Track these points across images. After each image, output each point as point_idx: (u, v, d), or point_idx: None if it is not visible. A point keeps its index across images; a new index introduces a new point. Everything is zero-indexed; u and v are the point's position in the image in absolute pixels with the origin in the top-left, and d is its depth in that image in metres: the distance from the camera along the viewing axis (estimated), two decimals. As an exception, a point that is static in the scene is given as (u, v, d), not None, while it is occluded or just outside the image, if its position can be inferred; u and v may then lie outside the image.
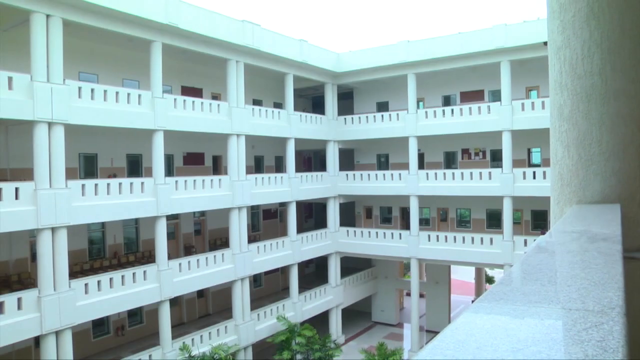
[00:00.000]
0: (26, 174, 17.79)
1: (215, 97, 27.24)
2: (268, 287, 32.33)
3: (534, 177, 25.02)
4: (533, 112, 24.87)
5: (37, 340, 17.77)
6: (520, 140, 26.41)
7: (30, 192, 16.34)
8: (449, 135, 28.13)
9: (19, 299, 16.12)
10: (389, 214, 34.06)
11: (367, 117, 30.84)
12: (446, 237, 27.93)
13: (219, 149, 26.80)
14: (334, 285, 30.99)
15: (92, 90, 18.38)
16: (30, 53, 16.55)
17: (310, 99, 36.34)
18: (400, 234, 29.62)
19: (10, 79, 15.92)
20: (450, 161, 31.28)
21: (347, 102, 34.34)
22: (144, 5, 19.20)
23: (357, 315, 34.94)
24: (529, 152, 28.45)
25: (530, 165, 28.03)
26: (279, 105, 30.69)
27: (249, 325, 24.64)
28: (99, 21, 18.38)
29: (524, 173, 25.53)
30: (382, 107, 33.03)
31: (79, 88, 17.98)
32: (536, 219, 28.58)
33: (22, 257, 20.23)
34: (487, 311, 1.29)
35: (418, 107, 29.47)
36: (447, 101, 31.02)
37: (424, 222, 31.94)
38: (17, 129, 18.91)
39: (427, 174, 28.50)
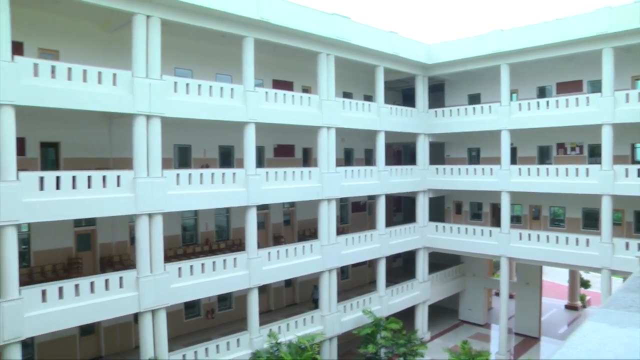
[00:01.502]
0: (126, 164, 19.02)
1: (305, 90, 27.61)
2: (355, 280, 32.46)
3: (639, 175, 23.27)
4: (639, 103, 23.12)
5: (136, 317, 19.09)
6: (623, 134, 24.61)
7: (129, 181, 17.49)
8: (543, 129, 26.75)
9: (121, 278, 17.50)
10: (479, 209, 33.04)
11: (458, 109, 30.04)
12: (538, 236, 26.58)
13: (309, 141, 27.14)
14: (421, 280, 30.58)
15: (187, 84, 19.21)
16: (131, 51, 17.72)
17: (401, 92, 35.92)
18: (490, 231, 28.63)
19: (114, 75, 17.13)
20: (544, 156, 29.76)
21: (438, 94, 33.60)
22: (237, 2, 19.75)
23: (443, 313, 34.29)
24: (633, 147, 26.45)
25: (634, 162, 26.08)
26: (369, 98, 30.60)
27: (335, 316, 24.84)
28: (194, 19, 19.16)
29: (627, 170, 23.66)
30: (474, 99, 32.04)
31: (175, 83, 18.89)
32: (640, 220, 26.67)
33: (123, 240, 21.79)
34: (615, 319, 1.19)
35: (511, 99, 28.33)
36: (542, 93, 29.52)
37: (515, 220, 30.66)
38: (119, 121, 20.23)
39: (519, 169, 27.33)
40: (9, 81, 14.72)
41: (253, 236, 21.34)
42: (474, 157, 32.78)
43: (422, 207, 30.97)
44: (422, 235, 30.65)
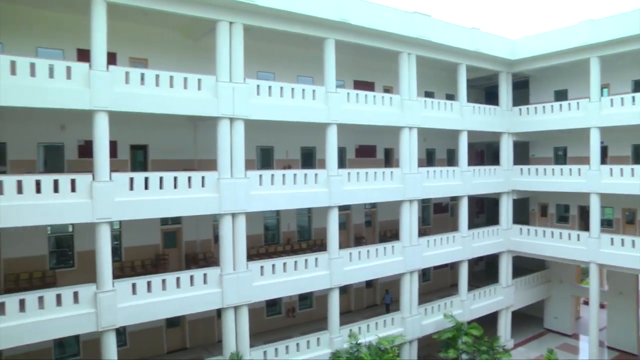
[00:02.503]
0: (211, 165, 19.51)
1: (387, 90, 27.40)
2: (436, 283, 31.87)
3: None
4: None
5: (219, 312, 19.75)
6: None
7: (214, 181, 18.13)
8: (639, 126, 24.98)
9: (205, 275, 18.22)
10: (566, 212, 31.39)
11: (543, 107, 28.68)
12: (633, 241, 24.64)
13: (391, 141, 26.91)
14: (504, 285, 29.54)
15: (269, 87, 19.59)
16: (215, 57, 18.37)
17: (483, 90, 34.87)
18: (578, 235, 27.04)
19: (199, 80, 17.89)
20: (639, 155, 27.91)
21: (522, 91, 32.26)
22: (317, 5, 19.89)
23: (527, 320, 32.95)
24: None
25: None
26: (451, 96, 29.97)
27: (416, 319, 24.49)
28: (275, 24, 19.51)
29: None
30: (561, 95, 30.48)
31: (258, 86, 19.31)
32: None
33: (207, 238, 22.59)
34: None
35: (602, 94, 26.69)
36: (637, 87, 27.59)
37: (606, 223, 28.79)
38: (203, 124, 20.97)
39: (610, 169, 25.61)
40: (104, 89, 15.82)
41: (335, 236, 21.44)
42: (561, 157, 31.22)
43: (506, 209, 29.89)
44: (505, 238, 29.58)
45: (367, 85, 26.66)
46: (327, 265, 21.11)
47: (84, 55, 17.47)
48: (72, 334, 16.36)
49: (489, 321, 28.23)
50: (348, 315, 25.49)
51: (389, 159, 28.88)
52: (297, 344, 20.67)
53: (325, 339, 21.39)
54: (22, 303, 15.02)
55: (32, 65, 14.97)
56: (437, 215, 32.47)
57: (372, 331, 22.77)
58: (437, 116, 25.48)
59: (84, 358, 19.65)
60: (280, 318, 24.94)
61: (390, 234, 28.23)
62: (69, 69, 15.54)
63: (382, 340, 21.58)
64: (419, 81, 24.78)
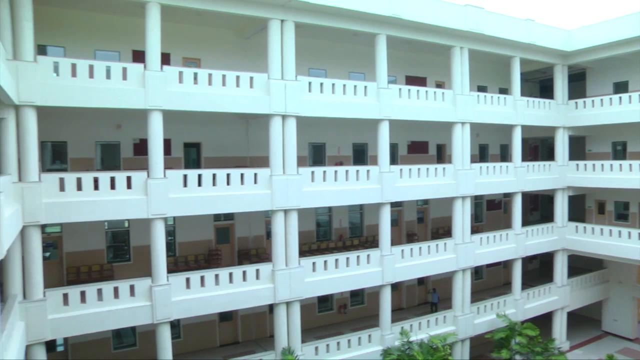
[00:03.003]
0: (263, 162, 19.78)
1: (439, 85, 27.01)
2: (489, 281, 31.22)
3: None
4: None
5: (270, 308, 20.10)
6: None
7: (266, 178, 18.25)
8: None
9: (257, 270, 18.43)
10: (625, 209, 30.07)
11: (601, 99, 27.52)
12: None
13: (443, 137, 26.52)
14: (559, 285, 28.65)
15: (321, 84, 19.60)
16: (267, 55, 18.47)
17: (538, 83, 33.86)
18: (639, 234, 25.94)
19: (251, 78, 18.04)
20: None
21: (578, 84, 31.10)
22: (369, 1, 19.67)
23: (584, 322, 31.78)
24: None
25: None
26: (504, 91, 29.19)
27: (468, 318, 24.07)
28: (326, 20, 19.45)
29: None
30: (621, 88, 29.13)
31: (309, 83, 19.34)
32: None
33: (259, 234, 22.83)
34: None
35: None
36: None
37: (669, 221, 27.63)
38: (255, 122, 21.31)
39: (675, 165, 24.38)
40: (158, 88, 16.22)
41: (387, 233, 21.31)
42: (619, 152, 29.89)
43: (561, 206, 28.96)
44: (560, 236, 28.65)
45: (419, 81, 26.30)
46: (378, 261, 20.99)
47: (139, 57, 17.98)
48: (128, 325, 16.89)
49: (543, 322, 27.43)
50: (399, 312, 25.32)
51: (441, 155, 28.47)
52: (349, 341, 20.63)
53: (377, 336, 21.28)
54: (82, 295, 15.67)
55: (91, 67, 15.54)
56: (490, 212, 31.79)
57: (424, 329, 22.52)
58: (490, 111, 24.89)
59: (140, 349, 20.30)
60: (332, 314, 25.00)
61: (442, 230, 27.86)
62: (125, 70, 16.02)
63: (434, 338, 21.31)
64: (472, 75, 24.29)
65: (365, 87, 20.55)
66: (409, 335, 21.05)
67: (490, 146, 31.10)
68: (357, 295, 25.58)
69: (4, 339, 10.20)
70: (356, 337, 20.86)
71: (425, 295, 28.21)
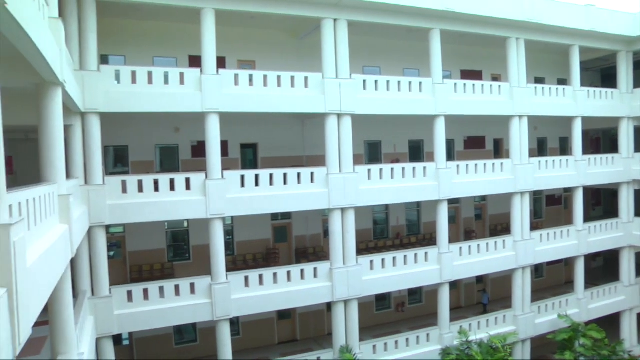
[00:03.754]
0: (319, 161, 19.90)
1: (495, 78, 26.34)
2: (550, 279, 30.21)
3: None
4: None
5: (328, 306, 20.24)
6: None
7: (323, 177, 18.37)
8: None
9: (315, 269, 18.59)
10: None
11: (672, 87, 26.19)
12: None
13: (500, 131, 25.90)
14: (626, 284, 27.37)
15: (376, 82, 19.53)
16: (321, 54, 18.57)
17: (599, 72, 32.43)
18: None
19: (306, 78, 18.23)
20: None
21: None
22: (418, -5, 19.44)
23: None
24: None
25: None
26: (563, 81, 28.15)
27: (529, 317, 23.38)
28: (379, 17, 19.32)
29: None
30: (694, 73, 27.67)
31: (364, 81, 19.31)
32: None
33: (317, 233, 22.96)
34: None
35: None
36: None
37: None
38: (311, 121, 21.48)
39: None
40: (215, 92, 16.63)
41: (444, 230, 21.02)
42: (690, 143, 28.42)
43: (626, 201, 27.64)
44: (626, 232, 27.33)
45: (474, 75, 25.73)
46: (436, 259, 20.74)
47: (195, 61, 18.36)
48: (189, 322, 17.57)
49: (609, 323, 26.10)
50: (458, 311, 24.86)
51: (499, 150, 27.77)
52: (407, 339, 20.49)
53: (435, 335, 21.03)
54: (145, 292, 16.33)
55: (150, 74, 16.19)
56: (549, 208, 30.78)
57: (483, 328, 22.04)
58: (548, 103, 24.07)
59: (200, 345, 20.86)
60: (390, 313, 24.87)
61: (501, 227, 27.17)
62: (182, 75, 16.55)
63: (494, 338, 20.85)
64: (529, 67, 23.53)
65: (420, 83, 20.33)
66: (468, 335, 20.72)
67: (549, 139, 30.08)
68: (415, 293, 25.33)
69: (77, 331, 10.88)
70: (414, 336, 20.69)
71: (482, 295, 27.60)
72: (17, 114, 9.03)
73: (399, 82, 19.85)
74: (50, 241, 7.82)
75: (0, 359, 4.56)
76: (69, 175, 14.40)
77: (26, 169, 16.24)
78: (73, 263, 14.53)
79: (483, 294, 25.93)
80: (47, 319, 9.34)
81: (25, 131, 15.52)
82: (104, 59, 18.05)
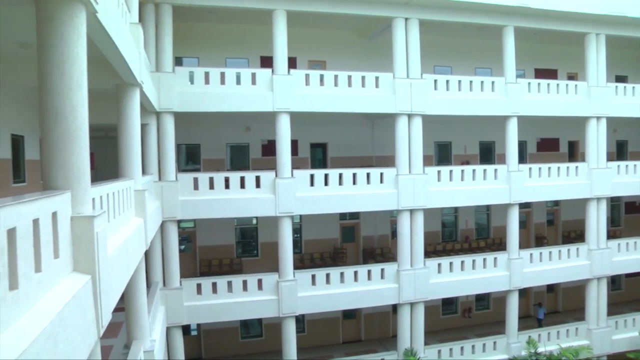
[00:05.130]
0: (388, 161, 19.87)
1: (571, 77, 25.20)
2: (629, 293, 28.29)
3: None
4: None
5: (394, 308, 20.13)
6: None
7: (392, 177, 18.32)
8: None
9: (382, 270, 18.57)
10: None
11: None
12: None
13: (575, 133, 24.70)
14: None
15: (447, 81, 19.29)
16: (391, 54, 18.47)
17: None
18: None
19: (376, 78, 18.25)
20: None
21: None
22: (493, -8, 18.96)
23: None
24: None
25: None
26: (649, 80, 26.54)
27: (604, 332, 22.10)
28: (450, 15, 19.00)
29: None
30: None
31: (435, 81, 19.11)
32: None
33: (384, 233, 22.91)
34: None
35: None
36: None
37: None
38: (380, 121, 21.38)
39: None
40: (286, 91, 16.98)
41: (514, 235, 20.36)
42: None
43: None
44: None
45: (549, 73, 24.66)
46: (506, 265, 20.13)
47: (266, 62, 18.80)
48: (255, 317, 18.16)
49: None
50: (527, 320, 23.86)
51: (573, 153, 26.51)
52: (473, 346, 20.04)
53: (502, 344, 20.42)
54: (214, 286, 16.95)
55: (222, 75, 16.84)
56: (629, 216, 29.06)
57: (553, 340, 21.08)
58: (630, 103, 22.65)
59: (265, 339, 21.27)
60: (456, 318, 24.36)
61: (574, 234, 25.90)
62: (254, 75, 17.03)
63: (565, 351, 19.92)
64: (609, 64, 22.27)
65: (493, 82, 19.85)
66: (537, 346, 19.97)
67: (630, 142, 28.49)
68: (482, 299, 24.69)
69: (150, 319, 11.51)
70: (481, 343, 20.21)
71: (556, 304, 26.45)
72: (99, 114, 9.61)
73: (470, 82, 19.49)
74: (127, 233, 8.26)
75: (87, 339, 4.90)
76: (144, 171, 15.10)
77: (105, 165, 17.12)
78: (146, 255, 15.30)
79: (538, 309, 24.34)
80: (122, 306, 9.80)
81: (106, 129, 16.43)
82: (178, 61, 18.76)
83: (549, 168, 20.94)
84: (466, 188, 19.33)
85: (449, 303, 23.90)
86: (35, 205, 3.92)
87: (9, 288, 3.32)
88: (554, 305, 26.45)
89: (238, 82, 16.78)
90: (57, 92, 5.06)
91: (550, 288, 25.71)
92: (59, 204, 4.60)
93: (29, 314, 3.64)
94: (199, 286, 16.83)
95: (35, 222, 3.90)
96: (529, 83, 20.67)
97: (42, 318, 3.70)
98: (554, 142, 26.10)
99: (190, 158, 21.03)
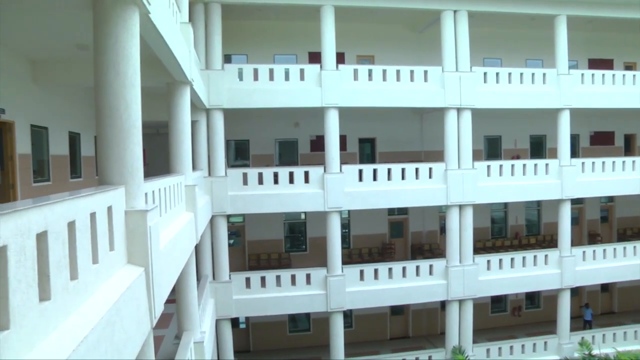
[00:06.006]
0: (437, 156, 19.72)
1: (628, 67, 24.14)
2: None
3: None
4: None
5: (442, 304, 19.90)
6: None
7: (441, 172, 18.16)
8: None
9: (431, 266, 18.45)
10: None
11: None
12: None
13: (632, 126, 24.05)
14: None
15: (497, 74, 18.92)
16: (440, 47, 18.27)
17: None
18: None
19: (425, 72, 18.11)
20: None
21: None
22: (545, -20, 18.44)
23: None
24: None
25: None
26: None
27: (667, 336, 21.25)
28: (500, 6, 18.63)
29: None
30: None
31: (484, 73, 18.79)
32: None
33: (433, 229, 22.75)
34: None
35: None
36: None
37: None
38: (429, 116, 21.25)
39: None
40: (334, 87, 17.07)
41: (566, 232, 19.78)
42: None
43: None
44: None
45: (604, 64, 23.68)
46: (557, 263, 19.58)
47: (314, 57, 18.94)
48: (304, 311, 18.27)
49: None
50: (579, 320, 23.19)
51: (630, 147, 25.46)
52: (522, 346, 19.62)
53: (554, 344, 19.88)
54: (262, 280, 17.25)
55: (271, 71, 17.08)
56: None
57: (609, 342, 20.35)
58: (696, 93, 21.60)
59: (313, 334, 21.48)
60: (505, 316, 23.89)
61: (630, 232, 24.97)
62: (302, 71, 17.20)
63: (622, 355, 18.95)
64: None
65: (544, 74, 19.30)
66: (591, 348, 19.04)
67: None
68: (532, 297, 24.14)
69: (200, 311, 11.85)
70: (531, 343, 19.77)
71: (611, 304, 25.55)
72: (151, 111, 9.92)
73: (521, 74, 19.06)
74: (178, 227, 8.53)
75: (141, 329, 5.10)
76: (194, 167, 15.51)
77: (156, 161, 17.65)
78: (196, 248, 15.75)
79: (585, 310, 23.37)
80: (173, 297, 10.10)
81: (157, 126, 16.89)
82: (227, 58, 19.11)
83: (603, 163, 20.23)
84: (516, 183, 18.93)
85: (498, 301, 23.52)
86: (92, 200, 4.11)
87: (70, 278, 3.50)
88: (609, 305, 25.53)
89: (286, 78, 16.99)
90: (112, 91, 5.24)
91: (605, 287, 24.88)
92: (113, 198, 4.79)
93: (88, 303, 3.83)
94: (247, 280, 17.14)
95: (92, 215, 4.09)
96: (582, 74, 19.97)
97: (100, 307, 3.88)
98: (608, 136, 25.19)
99: (239, 154, 21.39)
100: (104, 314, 3.80)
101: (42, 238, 3.04)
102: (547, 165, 19.44)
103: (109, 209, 4.61)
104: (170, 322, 13.39)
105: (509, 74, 18.94)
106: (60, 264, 3.30)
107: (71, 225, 3.56)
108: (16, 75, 10.23)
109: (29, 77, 10.80)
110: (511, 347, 19.46)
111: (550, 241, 23.06)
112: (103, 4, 5.19)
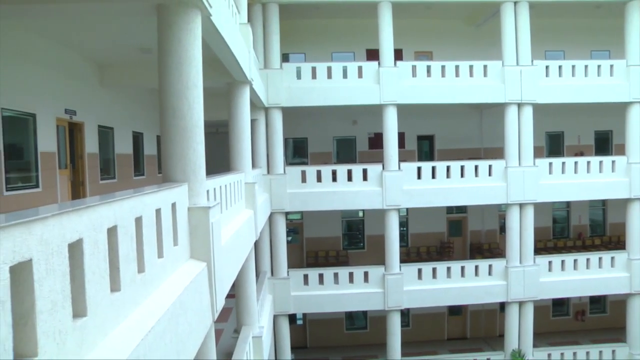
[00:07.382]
0: (497, 153, 19.31)
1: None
2: None
3: None
4: None
5: (501, 306, 19.58)
6: None
7: (501, 170, 17.77)
8: None
9: (490, 266, 18.07)
10: None
11: None
12: None
13: None
14: None
15: (560, 67, 18.31)
16: (499, 41, 17.86)
17: None
18: None
19: (485, 67, 17.75)
20: None
21: None
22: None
23: None
24: None
25: None
26: None
27: None
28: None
29: None
30: None
31: (546, 67, 18.22)
32: None
33: (492, 228, 22.29)
34: None
35: None
36: None
37: None
38: (489, 112, 20.79)
39: None
40: (392, 84, 17.05)
41: (635, 234, 18.77)
42: None
43: None
44: None
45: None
46: (625, 266, 18.68)
47: (372, 55, 18.97)
48: (361, 309, 18.45)
49: None
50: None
51: None
52: (587, 353, 18.88)
53: (623, 354, 18.86)
54: (320, 277, 17.43)
55: (329, 69, 17.29)
56: None
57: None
58: None
59: (370, 332, 21.46)
60: (567, 320, 23.01)
61: None
62: (360, 68, 17.28)
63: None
64: None
65: (612, 66, 18.46)
66: (671, 362, 18.32)
67: None
68: (597, 301, 23.08)
69: (258, 306, 12.13)
70: (596, 350, 18.96)
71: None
72: (211, 110, 10.20)
73: (585, 66, 18.33)
74: (239, 224, 8.77)
75: (204, 322, 5.32)
76: (253, 165, 15.84)
77: (216, 159, 18.04)
78: (255, 245, 16.15)
79: None
80: (233, 292, 10.37)
81: (217, 125, 17.33)
82: (285, 57, 19.35)
83: (679, 159, 19.17)
84: (580, 181, 18.25)
85: (560, 304, 22.64)
86: (157, 196, 4.31)
87: (137, 271, 3.71)
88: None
89: (344, 75, 17.10)
90: (175, 92, 5.44)
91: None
92: (177, 195, 4.99)
93: (154, 296, 4.03)
94: (305, 277, 17.38)
95: (158, 211, 4.30)
96: (654, 63, 18.94)
97: (165, 299, 4.07)
98: (684, 131, 23.90)
99: (297, 152, 21.68)
100: (169, 306, 3.98)
101: (112, 232, 3.24)
102: (613, 162, 18.63)
103: (173, 205, 4.82)
104: (230, 316, 13.76)
105: (573, 66, 18.26)
106: (129, 257, 3.51)
107: (138, 221, 3.77)
108: (86, 78, 10.84)
109: (96, 81, 11.42)
110: (574, 353, 18.76)
111: (617, 242, 22.03)
112: (167, 10, 5.39)
